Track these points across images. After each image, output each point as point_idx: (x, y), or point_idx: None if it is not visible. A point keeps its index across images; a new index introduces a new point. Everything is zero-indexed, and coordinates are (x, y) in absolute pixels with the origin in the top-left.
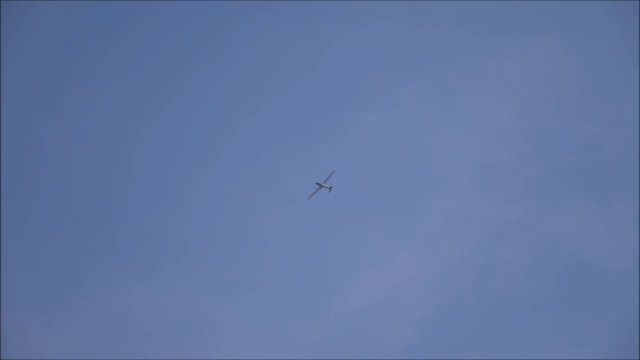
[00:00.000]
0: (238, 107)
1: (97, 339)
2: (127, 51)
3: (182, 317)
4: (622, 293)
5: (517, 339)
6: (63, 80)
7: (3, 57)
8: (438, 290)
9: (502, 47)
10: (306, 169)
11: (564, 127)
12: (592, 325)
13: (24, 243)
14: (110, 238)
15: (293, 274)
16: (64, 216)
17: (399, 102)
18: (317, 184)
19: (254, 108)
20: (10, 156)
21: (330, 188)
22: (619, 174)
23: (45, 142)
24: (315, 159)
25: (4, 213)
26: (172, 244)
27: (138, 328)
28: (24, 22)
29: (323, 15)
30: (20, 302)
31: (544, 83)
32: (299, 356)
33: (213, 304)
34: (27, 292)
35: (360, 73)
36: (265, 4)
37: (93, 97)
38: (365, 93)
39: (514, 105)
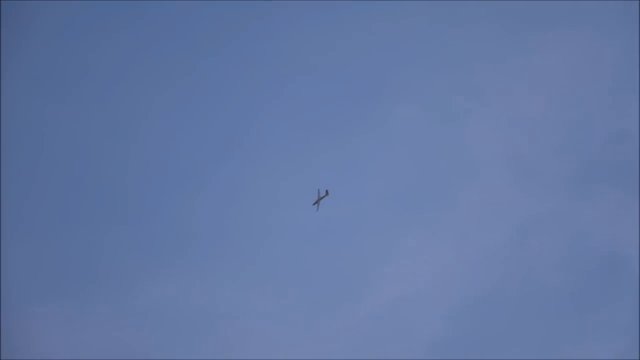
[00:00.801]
0: (268, 98)
1: (123, 334)
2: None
3: (210, 312)
4: None
5: (548, 332)
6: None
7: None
8: (469, 283)
9: (533, 40)
10: (338, 161)
11: (596, 119)
12: (624, 318)
13: (45, 238)
14: (137, 231)
15: (323, 267)
16: (88, 210)
17: (431, 95)
18: (314, 204)
19: (285, 100)
20: (21, 150)
21: (327, 192)
22: None
23: (67, 133)
24: (346, 151)
25: (20, 208)
26: (200, 238)
27: (166, 322)
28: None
29: (356, 9)
30: (43, 298)
31: (575, 76)
32: (329, 350)
33: (242, 298)
34: (51, 288)
35: (393, 66)
36: None
37: (105, 92)
38: (397, 86)
39: (546, 98)
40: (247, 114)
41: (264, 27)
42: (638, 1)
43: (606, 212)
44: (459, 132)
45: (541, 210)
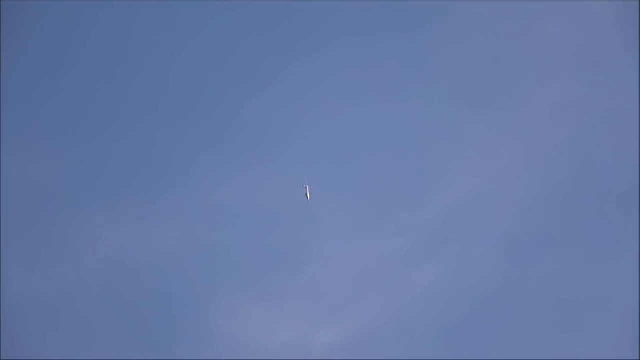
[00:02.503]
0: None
1: (196, 229)
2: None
3: (281, 208)
4: None
5: (619, 228)
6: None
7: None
8: (541, 179)
9: None
10: (408, 55)
11: None
12: None
13: (118, 132)
14: (212, 128)
15: (395, 162)
16: (167, 106)
17: None
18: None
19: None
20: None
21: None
22: None
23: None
24: (417, 45)
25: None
26: (274, 135)
27: (239, 218)
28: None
29: None
30: (115, 194)
31: None
32: (399, 245)
33: (313, 193)
34: (121, 185)
35: None
36: None
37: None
38: None
39: None
40: (318, 12)
41: None
42: None
43: None
44: (530, 26)
45: (613, 105)
